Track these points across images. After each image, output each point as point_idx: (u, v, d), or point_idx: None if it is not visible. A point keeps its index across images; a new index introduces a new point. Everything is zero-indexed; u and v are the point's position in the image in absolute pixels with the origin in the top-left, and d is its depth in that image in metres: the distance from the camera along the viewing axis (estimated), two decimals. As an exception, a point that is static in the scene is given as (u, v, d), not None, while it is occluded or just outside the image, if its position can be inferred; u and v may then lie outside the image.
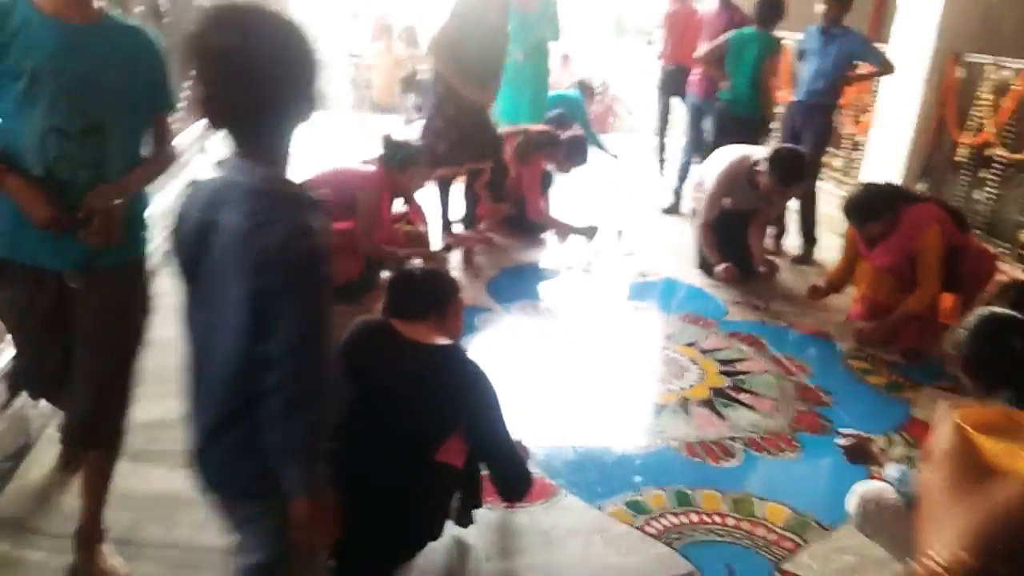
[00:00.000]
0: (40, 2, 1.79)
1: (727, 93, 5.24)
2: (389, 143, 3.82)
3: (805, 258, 5.15)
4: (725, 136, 5.05)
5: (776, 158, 4.24)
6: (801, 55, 5.07)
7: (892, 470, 2.21)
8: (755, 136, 5.17)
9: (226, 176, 1.33)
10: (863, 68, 5.20)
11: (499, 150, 4.72)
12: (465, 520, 2.12)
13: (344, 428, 1.84)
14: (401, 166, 3.79)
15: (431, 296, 2.05)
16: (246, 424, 1.36)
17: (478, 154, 4.54)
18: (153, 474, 2.35)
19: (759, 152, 4.46)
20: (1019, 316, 2.05)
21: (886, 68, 5.03)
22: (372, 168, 3.80)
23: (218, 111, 1.30)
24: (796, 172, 4.25)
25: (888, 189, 3.81)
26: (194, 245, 1.35)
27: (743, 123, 5.18)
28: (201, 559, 2.00)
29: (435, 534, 2.00)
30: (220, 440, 1.41)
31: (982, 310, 2.08)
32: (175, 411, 2.53)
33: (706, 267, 4.69)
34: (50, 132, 1.79)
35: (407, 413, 1.87)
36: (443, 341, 1.99)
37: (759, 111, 5.24)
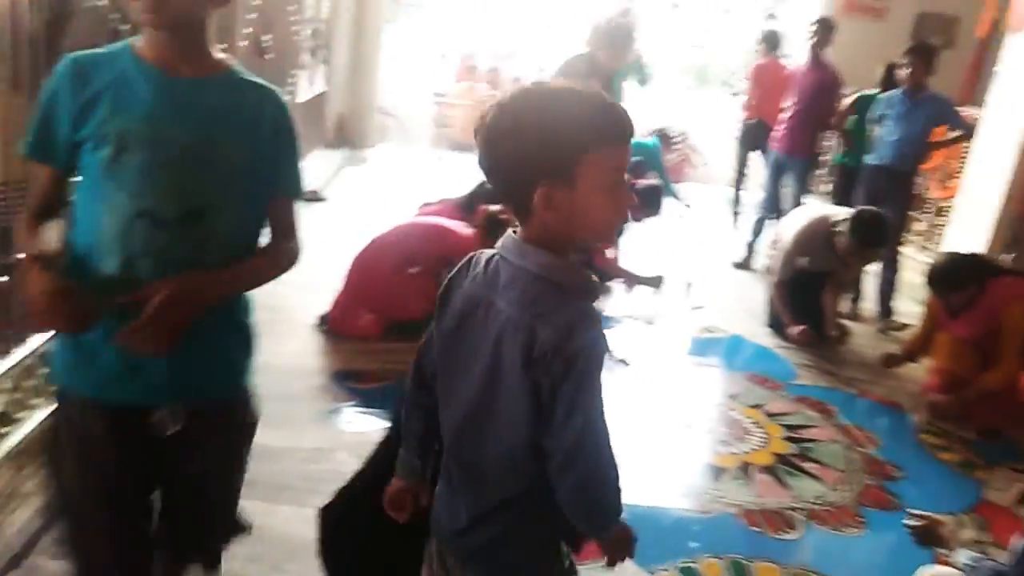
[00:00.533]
0: (143, 49, 1.38)
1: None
2: (493, 218, 3.86)
3: (883, 326, 5.00)
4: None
5: (858, 219, 4.15)
6: (881, 119, 4.98)
7: (962, 555, 2.11)
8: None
9: (509, 258, 1.26)
10: (943, 132, 5.11)
11: None
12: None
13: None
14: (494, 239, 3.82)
15: None
16: (516, 513, 1.33)
17: None
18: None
19: (840, 212, 4.37)
20: None
21: (970, 134, 4.94)
22: (468, 233, 3.82)
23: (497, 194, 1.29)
24: (877, 235, 4.16)
25: (975, 259, 3.70)
26: (460, 318, 1.30)
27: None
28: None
29: None
30: (488, 526, 1.34)
31: None
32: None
33: (777, 326, 4.60)
34: (138, 218, 1.35)
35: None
36: None
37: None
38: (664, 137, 8.33)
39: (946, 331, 3.85)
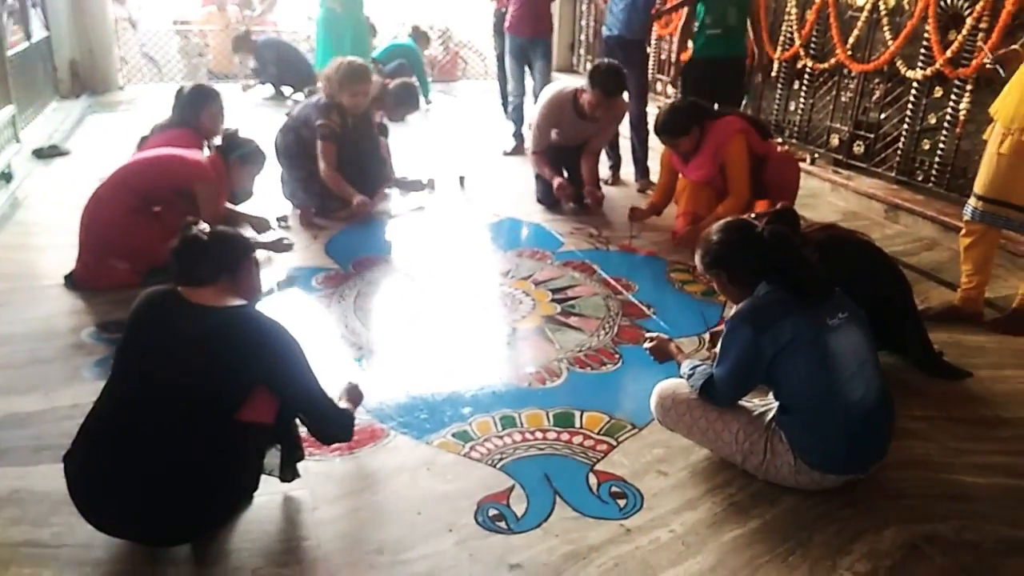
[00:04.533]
0: None
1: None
2: (229, 137, 3.71)
3: (642, 186, 5.38)
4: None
5: (595, 71, 4.43)
6: None
7: (685, 366, 2.41)
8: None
9: None
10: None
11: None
12: (289, 474, 2.16)
13: (132, 400, 1.87)
14: (239, 162, 3.69)
15: (219, 259, 2.04)
16: None
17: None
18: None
19: (580, 81, 4.63)
20: (746, 220, 2.31)
21: None
22: (203, 156, 3.65)
23: None
24: (616, 82, 4.43)
25: (693, 105, 4.02)
26: None
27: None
28: (13, 555, 1.97)
29: (245, 493, 2.05)
30: None
31: (715, 225, 2.33)
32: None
33: (545, 200, 4.84)
34: None
35: (197, 378, 1.88)
36: (235, 302, 2.01)
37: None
38: (421, 35, 8.29)
39: (684, 177, 4.22)
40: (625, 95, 5.07)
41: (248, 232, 3.81)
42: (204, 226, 2.11)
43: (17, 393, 2.65)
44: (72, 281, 3.41)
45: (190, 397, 1.87)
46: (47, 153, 5.61)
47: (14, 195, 4.72)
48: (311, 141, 4.37)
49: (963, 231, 3.39)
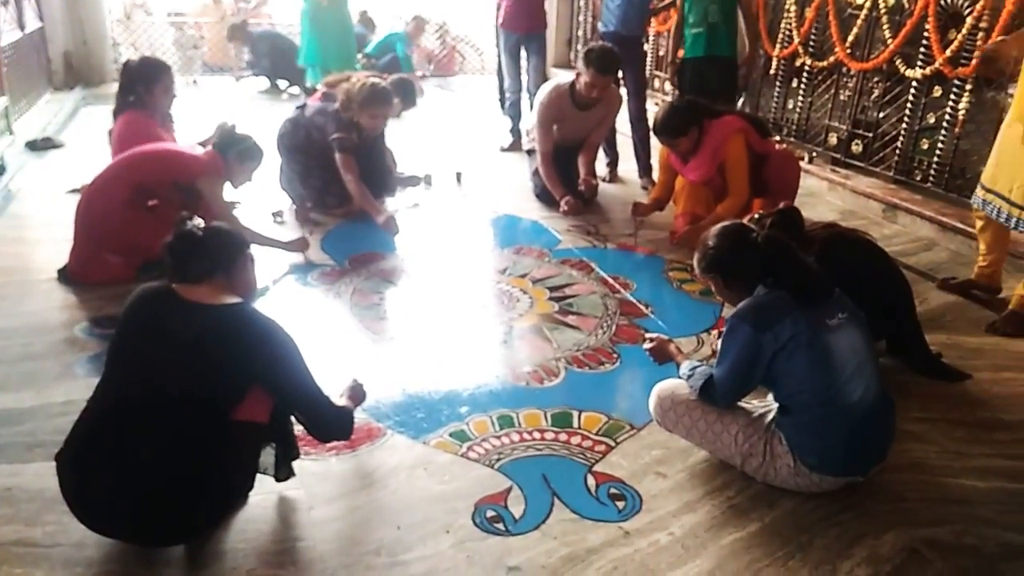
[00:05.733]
0: None
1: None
2: (227, 133, 3.68)
3: (645, 183, 5.35)
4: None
5: (589, 52, 4.44)
6: None
7: (684, 367, 2.39)
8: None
9: None
10: None
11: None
12: (283, 473, 2.14)
13: (125, 399, 1.85)
14: (237, 159, 3.66)
15: (214, 255, 2.02)
16: None
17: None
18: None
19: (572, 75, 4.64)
20: (741, 224, 2.30)
21: None
22: (202, 151, 3.61)
23: None
24: (610, 60, 4.42)
25: (691, 104, 4.00)
26: None
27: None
28: (5, 554, 1.95)
29: (239, 493, 2.04)
30: None
31: (712, 229, 2.32)
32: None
33: (543, 197, 4.82)
34: None
35: (192, 379, 1.85)
36: (230, 300, 1.98)
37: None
38: (411, 22, 8.27)
39: (683, 177, 4.20)
40: (623, 91, 5.05)
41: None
42: (199, 221, 2.08)
43: (9, 389, 2.62)
44: (65, 275, 3.38)
45: (184, 397, 1.84)
46: (41, 145, 5.57)
47: (7, 187, 4.68)
48: (320, 142, 4.32)
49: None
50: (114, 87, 7.85)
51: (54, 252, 3.55)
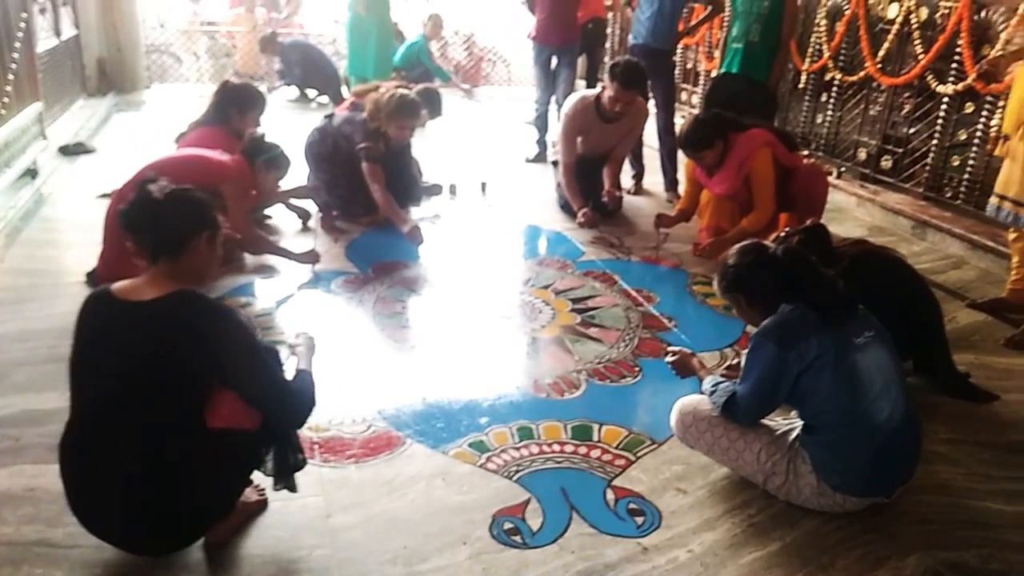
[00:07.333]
0: None
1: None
2: (257, 140, 3.72)
3: (671, 196, 5.32)
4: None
5: (615, 66, 4.43)
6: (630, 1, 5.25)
7: (707, 382, 2.37)
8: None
9: None
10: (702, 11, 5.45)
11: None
12: (280, 483, 2.04)
13: (90, 416, 1.82)
14: (264, 166, 3.70)
15: (162, 232, 1.85)
16: None
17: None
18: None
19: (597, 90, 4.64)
20: (760, 242, 2.29)
21: (717, 8, 5.27)
22: (230, 157, 3.64)
23: None
24: (636, 74, 4.41)
25: (716, 117, 3.97)
26: None
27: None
28: (25, 554, 1.97)
29: (224, 500, 1.95)
30: None
31: (731, 250, 2.31)
32: (2, 410, 2.50)
33: (567, 208, 4.81)
34: None
35: (147, 379, 1.76)
36: (169, 290, 1.82)
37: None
38: (435, 20, 8.33)
39: (708, 190, 4.17)
40: (651, 104, 5.04)
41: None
42: (164, 182, 1.90)
43: (35, 390, 2.66)
44: (94, 279, 3.42)
45: (148, 400, 1.77)
46: (73, 150, 5.66)
47: (39, 191, 4.76)
48: (346, 151, 4.35)
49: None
50: (146, 94, 8.04)
51: (84, 255, 3.60)
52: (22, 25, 5.01)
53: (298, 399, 1.96)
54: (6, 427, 2.46)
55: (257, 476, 2.03)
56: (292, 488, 2.06)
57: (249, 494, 2.10)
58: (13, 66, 4.77)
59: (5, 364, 2.83)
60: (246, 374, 1.85)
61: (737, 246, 2.33)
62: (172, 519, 1.86)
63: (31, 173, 4.91)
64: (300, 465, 2.06)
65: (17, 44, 4.87)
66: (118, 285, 1.85)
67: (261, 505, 2.15)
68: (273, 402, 1.91)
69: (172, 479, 1.80)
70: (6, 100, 4.59)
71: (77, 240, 3.94)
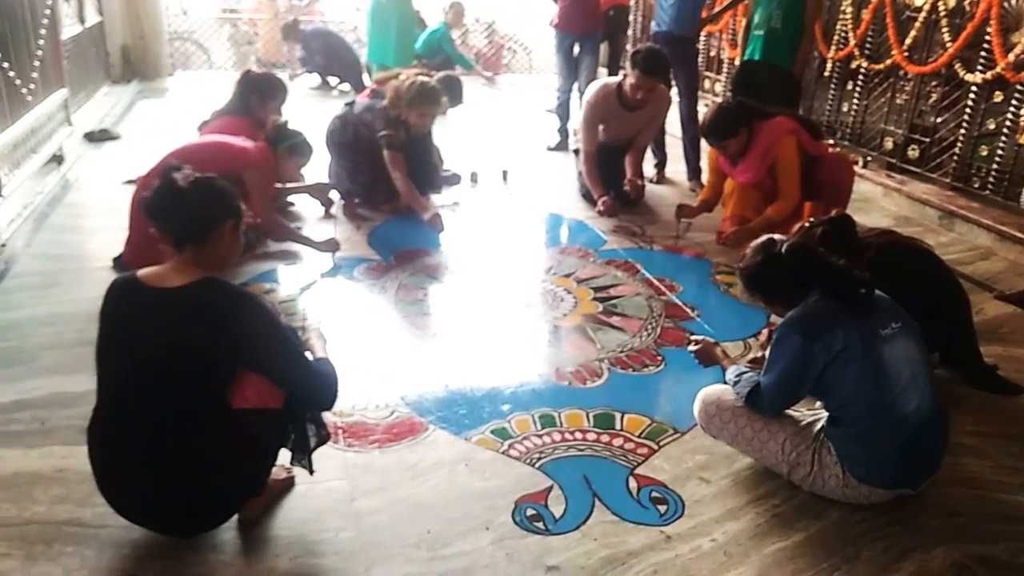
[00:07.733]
0: None
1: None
2: (280, 127, 3.74)
3: (694, 185, 5.29)
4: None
5: (636, 53, 4.41)
6: None
7: (730, 372, 2.36)
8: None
9: None
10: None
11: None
12: (297, 460, 2.06)
13: (119, 399, 1.84)
14: (287, 153, 3.71)
15: (188, 220, 1.87)
16: None
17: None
18: (7, 455, 2.32)
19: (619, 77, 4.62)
20: (770, 239, 2.27)
21: None
22: (252, 144, 3.65)
23: None
24: (657, 61, 4.39)
25: (741, 105, 3.93)
26: None
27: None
28: (56, 533, 2.00)
29: (253, 481, 1.97)
30: None
31: (752, 245, 2.30)
32: (31, 392, 2.54)
33: (589, 198, 4.79)
34: None
35: (174, 365, 1.79)
36: (196, 278, 1.84)
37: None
38: (456, 8, 8.32)
39: (732, 179, 4.14)
40: (674, 92, 5.00)
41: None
42: (188, 170, 1.89)
43: (63, 373, 2.69)
44: (120, 264, 3.46)
45: (175, 384, 1.79)
46: (98, 137, 5.71)
47: (65, 177, 4.81)
48: (367, 139, 4.35)
49: None
50: (169, 81, 8.09)
51: (110, 241, 3.64)
52: (47, 12, 5.05)
53: (324, 380, 1.99)
54: (36, 409, 2.50)
55: (281, 454, 2.05)
56: (309, 468, 2.07)
57: (278, 471, 2.12)
58: (39, 52, 4.81)
59: (34, 347, 2.87)
60: (274, 361, 1.87)
61: (749, 246, 2.33)
62: (205, 502, 1.88)
63: (57, 159, 4.96)
64: (324, 439, 2.08)
65: (42, 31, 4.91)
66: (144, 272, 1.87)
67: (289, 482, 2.19)
68: (303, 385, 1.94)
69: (201, 463, 1.82)
70: (32, 86, 4.64)
71: (103, 226, 3.98)
